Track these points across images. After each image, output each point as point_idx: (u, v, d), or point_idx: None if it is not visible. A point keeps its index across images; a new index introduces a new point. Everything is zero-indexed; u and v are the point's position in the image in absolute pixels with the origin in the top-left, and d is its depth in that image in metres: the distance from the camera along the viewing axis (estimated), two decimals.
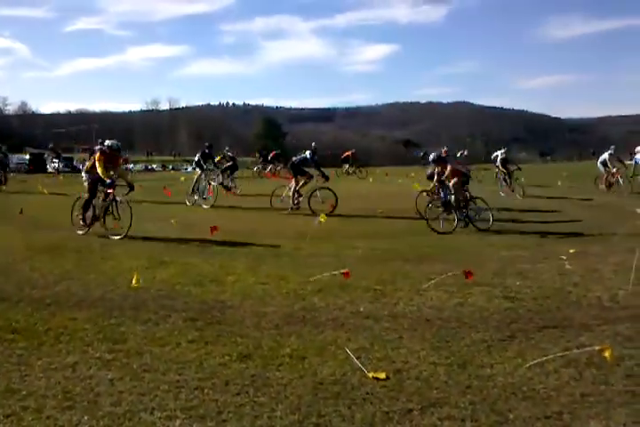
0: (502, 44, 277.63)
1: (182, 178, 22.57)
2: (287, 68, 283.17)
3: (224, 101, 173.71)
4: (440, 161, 10.73)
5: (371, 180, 23.23)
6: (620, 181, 16.90)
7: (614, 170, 17.08)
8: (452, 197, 10.36)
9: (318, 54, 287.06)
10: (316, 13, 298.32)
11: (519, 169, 17.15)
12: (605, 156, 17.54)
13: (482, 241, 8.87)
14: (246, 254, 7.63)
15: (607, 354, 3.40)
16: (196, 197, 14.16)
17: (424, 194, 11.86)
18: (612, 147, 18.00)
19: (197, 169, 14.85)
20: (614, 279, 6.02)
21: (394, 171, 30.00)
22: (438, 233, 9.69)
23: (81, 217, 9.17)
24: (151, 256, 7.33)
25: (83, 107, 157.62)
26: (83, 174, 9.77)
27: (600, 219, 11.19)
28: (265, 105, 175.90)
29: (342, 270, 5.75)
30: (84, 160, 30.29)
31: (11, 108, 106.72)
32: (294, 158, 13.51)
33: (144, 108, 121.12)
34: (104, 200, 9.09)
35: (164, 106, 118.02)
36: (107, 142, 9.39)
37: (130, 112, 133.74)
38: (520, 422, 2.96)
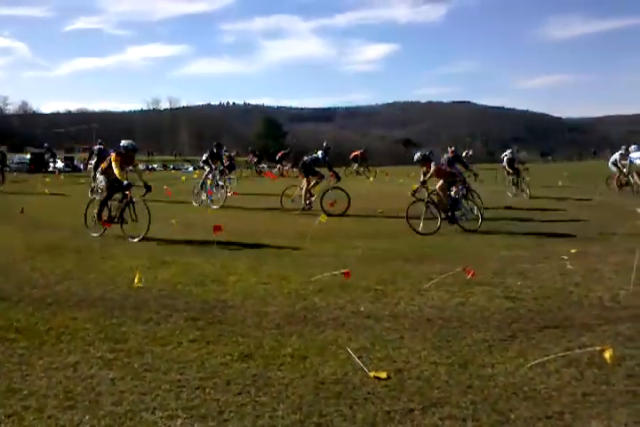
0: (502, 44, 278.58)
1: (183, 178, 22.59)
2: (287, 68, 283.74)
3: (224, 101, 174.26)
4: (425, 161, 10.51)
5: (371, 179, 23.21)
6: (632, 180, 16.81)
7: (625, 170, 17.02)
8: (435, 197, 10.11)
9: (318, 54, 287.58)
10: (315, 13, 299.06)
11: (527, 169, 17.00)
12: (617, 156, 17.46)
13: (482, 241, 8.87)
14: (247, 254, 7.63)
15: (608, 355, 3.40)
16: (203, 198, 14.00)
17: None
18: (624, 147, 17.80)
19: (205, 168, 14.62)
20: (615, 279, 6.02)
21: (394, 170, 29.95)
22: (419, 234, 9.41)
23: (96, 218, 9.04)
24: (152, 256, 7.33)
25: (83, 106, 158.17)
26: (98, 176, 9.55)
27: (600, 219, 11.18)
28: (265, 105, 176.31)
29: (343, 270, 5.75)
30: (85, 160, 30.33)
31: (11, 108, 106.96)
32: (306, 158, 13.40)
33: (144, 108, 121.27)
34: (120, 201, 8.97)
35: (165, 105, 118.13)
36: (122, 143, 9.23)
37: (130, 112, 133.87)
38: (521, 422, 2.96)
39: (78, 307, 5.00)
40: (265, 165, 28.25)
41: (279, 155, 28.28)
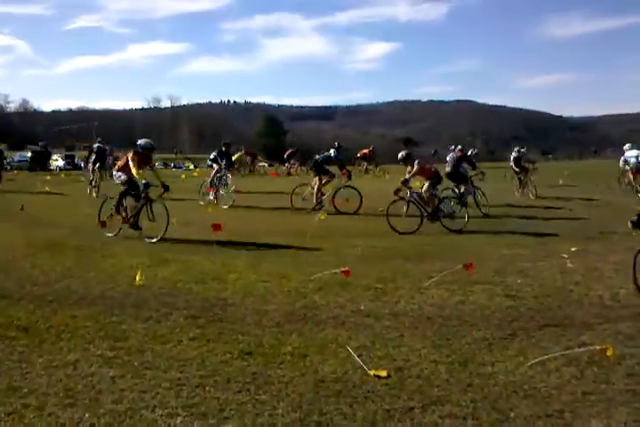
0: (503, 43, 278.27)
1: (183, 176, 22.59)
2: (288, 66, 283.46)
3: (225, 99, 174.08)
4: (408, 160, 10.43)
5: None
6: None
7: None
8: (415, 195, 9.98)
9: (319, 52, 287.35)
10: (317, 11, 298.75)
11: (536, 169, 16.82)
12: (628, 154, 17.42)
13: (482, 239, 8.87)
14: (247, 252, 7.64)
15: (609, 354, 3.40)
16: (210, 197, 13.92)
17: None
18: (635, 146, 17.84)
19: (214, 166, 14.44)
20: (615, 278, 6.02)
21: (395, 169, 29.91)
22: (399, 233, 9.32)
23: (114, 210, 8.82)
24: (152, 254, 7.33)
25: (84, 104, 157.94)
26: (114, 172, 9.32)
27: (601, 217, 11.19)
28: (266, 103, 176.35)
29: (342, 269, 5.75)
30: (85, 158, 30.32)
31: (12, 106, 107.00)
32: (317, 156, 13.39)
33: (145, 106, 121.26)
34: (137, 201, 8.76)
35: (166, 104, 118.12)
36: (139, 142, 9.07)
37: (131, 110, 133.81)
38: (521, 420, 2.96)
39: (78, 305, 5.00)
40: (265, 164, 28.22)
41: (287, 153, 28.20)
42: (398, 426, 2.90)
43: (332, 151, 13.36)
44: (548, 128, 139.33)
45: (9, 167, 33.68)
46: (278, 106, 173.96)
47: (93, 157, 17.20)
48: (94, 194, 16.03)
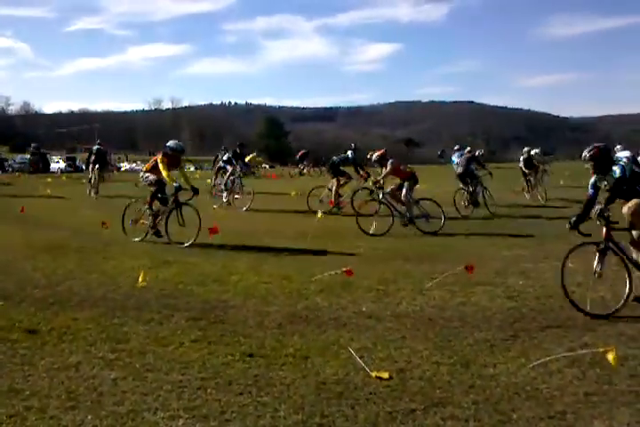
0: (504, 43, 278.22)
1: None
2: (289, 68, 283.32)
3: (226, 101, 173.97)
4: (382, 161, 10.37)
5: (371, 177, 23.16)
6: None
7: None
8: (387, 195, 9.92)
9: (320, 53, 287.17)
10: (318, 12, 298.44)
11: (545, 171, 16.46)
12: None
13: (484, 240, 8.86)
14: (248, 254, 7.64)
15: (611, 357, 3.38)
16: (223, 200, 13.78)
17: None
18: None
19: (227, 168, 14.26)
20: (617, 279, 5.99)
21: None
22: (367, 235, 9.18)
23: (147, 207, 8.66)
24: (153, 256, 7.34)
25: (85, 107, 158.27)
26: (141, 174, 9.07)
27: None
28: (267, 104, 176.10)
29: (344, 268, 5.75)
30: (86, 160, 30.32)
31: (13, 108, 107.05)
32: (335, 158, 13.41)
33: (146, 108, 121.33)
34: (163, 204, 8.60)
35: (167, 105, 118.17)
36: (169, 144, 8.82)
37: (132, 112, 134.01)
38: (523, 421, 2.96)
39: (80, 307, 5.00)
40: (267, 166, 28.37)
41: (300, 154, 28.56)
42: None
43: (349, 153, 13.41)
44: (549, 128, 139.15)
45: (10, 169, 33.81)
46: (279, 107, 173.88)
47: (93, 157, 17.47)
48: (93, 195, 16.24)
